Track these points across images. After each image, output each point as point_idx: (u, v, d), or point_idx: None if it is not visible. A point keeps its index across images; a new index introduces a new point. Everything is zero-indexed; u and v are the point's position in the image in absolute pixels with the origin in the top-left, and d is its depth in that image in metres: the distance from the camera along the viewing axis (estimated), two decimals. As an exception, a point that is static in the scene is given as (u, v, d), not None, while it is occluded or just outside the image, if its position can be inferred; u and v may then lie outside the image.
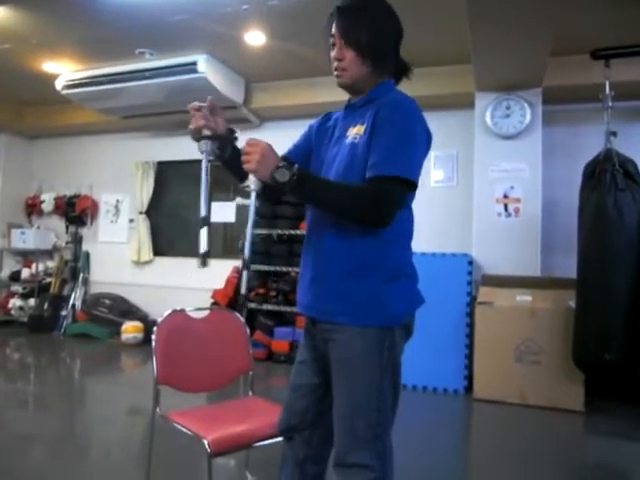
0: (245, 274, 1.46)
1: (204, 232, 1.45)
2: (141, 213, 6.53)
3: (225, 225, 6.29)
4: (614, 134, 3.68)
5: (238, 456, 2.59)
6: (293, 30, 4.21)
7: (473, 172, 4.79)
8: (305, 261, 1.56)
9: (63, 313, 6.62)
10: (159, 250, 6.61)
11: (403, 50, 1.56)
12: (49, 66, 5.23)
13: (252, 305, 5.43)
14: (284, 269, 5.39)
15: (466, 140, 5.01)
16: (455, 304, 4.32)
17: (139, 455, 2.80)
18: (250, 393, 2.34)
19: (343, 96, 1.59)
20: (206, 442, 1.75)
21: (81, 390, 4.55)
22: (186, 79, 4.79)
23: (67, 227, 7.02)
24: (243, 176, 1.43)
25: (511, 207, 4.60)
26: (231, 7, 3.88)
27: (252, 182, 1.38)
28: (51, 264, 6.98)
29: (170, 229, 6.70)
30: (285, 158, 1.48)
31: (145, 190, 6.54)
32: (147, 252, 6.52)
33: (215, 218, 6.29)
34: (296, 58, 4.75)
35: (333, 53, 1.50)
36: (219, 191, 6.29)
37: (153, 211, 6.62)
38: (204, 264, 1.42)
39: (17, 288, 6.95)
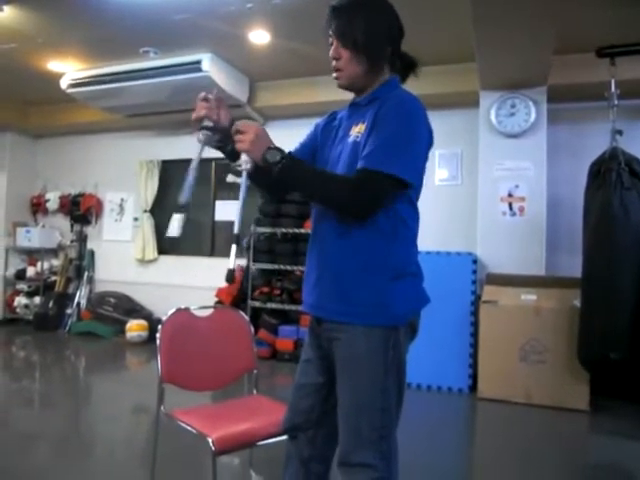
0: (234, 248, 1.45)
1: (178, 217, 1.47)
2: (145, 212, 6.54)
3: (230, 224, 6.30)
4: (620, 132, 3.66)
5: (242, 454, 2.59)
6: (297, 29, 4.21)
7: (478, 171, 4.78)
8: (310, 260, 1.56)
9: (68, 311, 6.65)
10: (163, 249, 6.62)
11: (407, 49, 1.56)
12: (54, 65, 5.25)
13: (256, 304, 5.44)
14: (288, 268, 5.39)
15: (471, 139, 5.00)
16: (460, 303, 4.32)
17: (144, 453, 2.81)
18: (254, 392, 2.34)
19: (347, 95, 1.59)
20: (210, 440, 1.76)
21: (86, 388, 4.57)
22: (190, 78, 4.79)
23: (72, 226, 7.04)
24: (236, 157, 1.46)
25: (516, 206, 4.59)
26: (235, 6, 3.88)
27: (244, 162, 1.41)
28: (56, 262, 7.01)
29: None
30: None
31: (149, 189, 6.55)
32: (151, 251, 6.53)
33: (219, 217, 6.31)
34: (300, 57, 4.75)
35: (330, 52, 1.50)
36: (222, 190, 6.30)
37: (157, 210, 6.63)
38: (173, 234, 1.43)
39: (22, 286, 6.99)
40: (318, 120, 1.69)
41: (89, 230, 7.02)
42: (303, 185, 1.45)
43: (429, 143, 1.49)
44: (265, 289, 5.46)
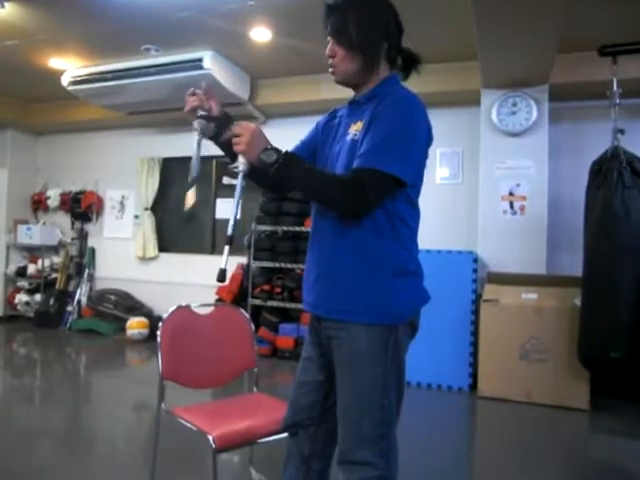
0: (227, 249, 1.47)
1: (192, 191, 1.53)
2: (146, 209, 6.54)
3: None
4: (621, 132, 3.64)
5: (242, 452, 2.60)
6: (298, 27, 4.20)
7: (479, 169, 4.77)
8: (310, 259, 1.56)
9: (69, 309, 6.66)
10: (164, 246, 6.62)
11: (407, 46, 1.55)
12: (55, 62, 5.24)
13: (257, 302, 5.45)
14: (289, 266, 5.39)
15: (472, 137, 5.00)
16: (460, 302, 4.31)
17: (144, 450, 2.81)
18: (255, 389, 2.34)
19: (348, 93, 1.59)
20: (211, 438, 1.76)
21: (86, 386, 4.57)
22: (191, 75, 4.79)
23: (73, 223, 7.04)
24: (235, 157, 1.48)
25: (517, 205, 4.58)
26: (237, 3, 3.88)
27: (241, 163, 1.44)
28: (57, 260, 7.02)
29: (175, 225, 6.72)
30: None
31: (150, 186, 6.55)
32: (152, 248, 6.53)
33: (220, 215, 6.31)
34: (301, 55, 4.75)
35: (326, 50, 1.51)
36: (223, 188, 6.30)
37: (158, 207, 6.63)
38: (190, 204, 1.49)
39: (23, 284, 6.99)
40: (320, 118, 1.69)
41: (90, 227, 7.02)
42: (298, 184, 1.46)
43: (428, 141, 1.49)
44: (266, 287, 5.46)
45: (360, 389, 1.42)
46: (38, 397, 4.09)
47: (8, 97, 6.50)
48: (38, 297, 6.79)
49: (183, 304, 2.24)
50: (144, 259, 6.59)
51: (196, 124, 1.53)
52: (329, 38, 1.50)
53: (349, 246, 1.44)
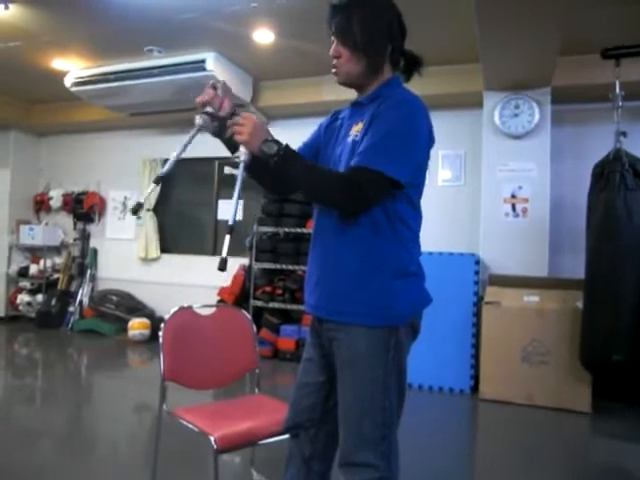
0: (227, 238, 1.45)
1: (154, 188, 1.57)
2: (148, 210, 6.55)
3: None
4: (624, 134, 3.64)
5: (244, 453, 2.59)
6: (301, 28, 4.21)
7: (481, 172, 4.77)
8: (312, 260, 1.56)
9: (70, 309, 6.67)
10: (166, 247, 6.63)
11: (410, 48, 1.55)
12: (58, 63, 5.25)
13: (258, 303, 5.45)
14: (291, 267, 5.39)
15: (474, 139, 5.00)
16: (462, 304, 4.31)
17: (146, 451, 2.81)
18: (256, 391, 2.34)
19: (351, 94, 1.59)
20: (213, 439, 1.76)
21: (88, 386, 4.58)
22: (194, 77, 4.79)
23: (75, 224, 7.05)
24: (235, 149, 1.50)
25: (519, 207, 4.58)
26: (240, 5, 3.88)
27: (242, 153, 1.45)
28: (59, 260, 7.02)
29: (177, 226, 6.72)
30: None
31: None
32: (154, 249, 6.54)
33: (222, 216, 6.32)
34: (304, 56, 4.75)
35: (330, 50, 1.51)
36: (225, 189, 6.31)
37: (160, 208, 6.64)
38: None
39: (25, 284, 7.00)
40: (322, 120, 1.70)
41: (92, 228, 7.03)
42: (297, 178, 1.46)
43: (429, 142, 1.49)
44: (267, 288, 5.46)
45: (361, 391, 1.42)
46: (39, 397, 4.10)
47: (11, 98, 6.51)
48: (40, 297, 6.80)
49: (185, 305, 2.24)
50: (146, 260, 6.60)
51: (198, 118, 1.53)
52: (333, 38, 1.51)
53: (350, 248, 1.44)
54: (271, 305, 5.40)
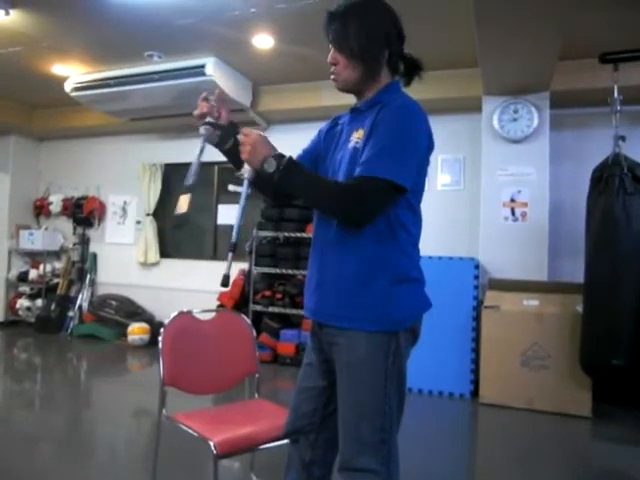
0: (230, 256, 1.51)
1: (186, 197, 1.57)
2: (148, 215, 6.55)
3: (231, 227, 6.29)
4: (623, 138, 3.65)
5: (243, 458, 2.59)
6: (301, 33, 4.22)
7: (480, 176, 4.78)
8: (311, 265, 1.56)
9: (70, 314, 6.66)
10: (166, 252, 6.63)
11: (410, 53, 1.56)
12: (58, 68, 5.27)
13: (258, 307, 5.44)
14: (290, 272, 5.39)
15: (473, 144, 5.01)
16: (461, 308, 4.31)
17: (145, 456, 2.81)
18: (256, 395, 2.34)
19: (350, 99, 1.60)
20: (212, 444, 1.76)
21: (87, 391, 4.57)
22: (194, 82, 4.81)
23: (75, 228, 7.05)
24: (238, 165, 1.51)
25: (518, 211, 4.59)
26: (239, 10, 3.90)
27: (246, 171, 1.47)
28: (58, 265, 7.02)
29: (177, 231, 6.72)
30: None
31: (152, 192, 6.56)
32: (154, 254, 6.53)
33: (222, 221, 6.32)
34: (303, 61, 4.77)
35: (328, 58, 1.52)
36: (225, 194, 6.31)
37: (160, 213, 6.64)
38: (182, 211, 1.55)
39: (25, 289, 6.99)
40: (322, 126, 1.70)
41: (92, 233, 7.03)
42: (299, 193, 1.47)
43: (429, 148, 1.49)
44: (267, 293, 5.46)
45: (361, 395, 1.41)
46: (39, 402, 4.09)
47: (11, 102, 6.52)
48: (39, 302, 6.79)
49: (184, 310, 2.24)
50: (146, 265, 6.59)
51: (202, 130, 1.54)
52: (330, 46, 1.51)
53: (350, 253, 1.45)
54: (271, 309, 5.39)
